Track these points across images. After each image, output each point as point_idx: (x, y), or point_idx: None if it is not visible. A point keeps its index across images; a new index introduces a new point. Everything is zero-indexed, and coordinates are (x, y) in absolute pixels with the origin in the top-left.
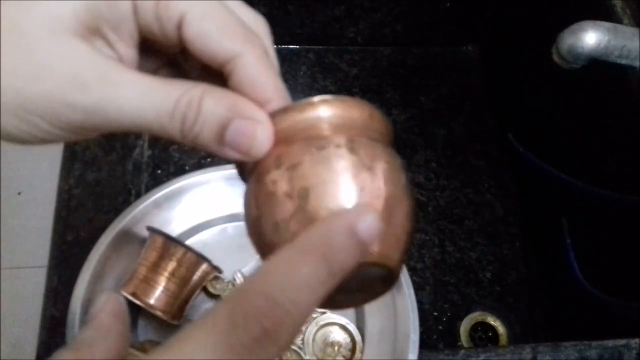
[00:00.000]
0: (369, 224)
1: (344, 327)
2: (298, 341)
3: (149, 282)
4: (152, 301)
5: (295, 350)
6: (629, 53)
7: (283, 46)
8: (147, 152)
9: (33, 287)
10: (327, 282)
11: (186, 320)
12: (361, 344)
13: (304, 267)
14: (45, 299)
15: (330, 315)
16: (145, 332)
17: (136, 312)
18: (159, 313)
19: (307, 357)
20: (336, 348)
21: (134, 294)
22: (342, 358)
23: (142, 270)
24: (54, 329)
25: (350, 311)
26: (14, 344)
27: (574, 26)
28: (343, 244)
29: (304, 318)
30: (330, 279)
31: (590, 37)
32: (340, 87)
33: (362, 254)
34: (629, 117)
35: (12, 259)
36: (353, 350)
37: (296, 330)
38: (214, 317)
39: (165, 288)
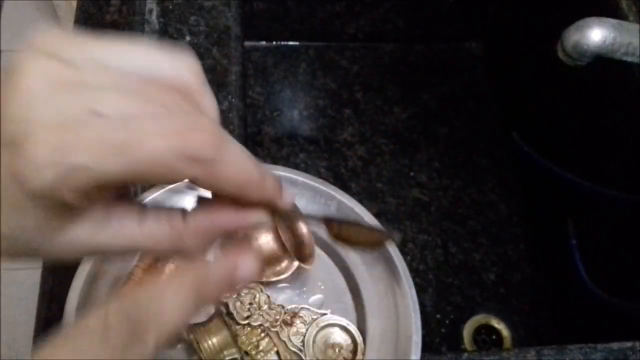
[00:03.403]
0: (246, 268)
1: (344, 329)
2: (298, 343)
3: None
4: None
5: (295, 352)
6: (635, 50)
7: (282, 43)
8: None
9: (28, 288)
10: (192, 308)
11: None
12: (362, 346)
13: (172, 294)
14: (39, 301)
15: (331, 317)
16: None
17: None
18: None
19: (308, 359)
20: (337, 350)
21: None
22: None
23: (139, 273)
24: (48, 331)
25: (352, 313)
26: (9, 345)
27: (579, 22)
28: (217, 283)
29: (169, 329)
30: (195, 307)
31: (596, 34)
32: (341, 84)
33: (229, 290)
34: (635, 115)
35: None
36: (354, 351)
37: (161, 337)
38: (88, 320)
39: None
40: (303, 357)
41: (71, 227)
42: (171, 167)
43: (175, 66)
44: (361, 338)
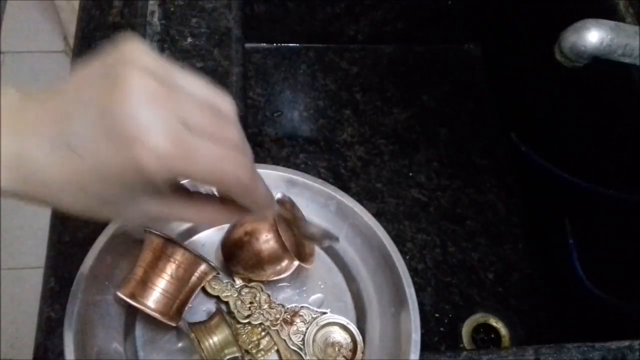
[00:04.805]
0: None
1: (344, 327)
2: (298, 341)
3: (146, 284)
4: (150, 303)
5: (295, 351)
6: (632, 51)
7: (283, 44)
8: None
9: (30, 287)
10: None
11: (184, 322)
12: (362, 344)
13: None
14: (42, 300)
15: (331, 315)
16: (143, 333)
17: (134, 313)
18: (157, 315)
19: (308, 358)
20: (337, 348)
21: (132, 296)
22: (342, 358)
23: (140, 272)
24: (50, 330)
25: (351, 311)
26: (12, 344)
27: (577, 24)
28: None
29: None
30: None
31: (593, 36)
32: (341, 85)
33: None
34: (632, 116)
35: (9, 259)
36: (354, 350)
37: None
38: None
39: (164, 289)
40: (303, 356)
41: (154, 202)
42: (224, 182)
43: (226, 101)
44: (360, 337)
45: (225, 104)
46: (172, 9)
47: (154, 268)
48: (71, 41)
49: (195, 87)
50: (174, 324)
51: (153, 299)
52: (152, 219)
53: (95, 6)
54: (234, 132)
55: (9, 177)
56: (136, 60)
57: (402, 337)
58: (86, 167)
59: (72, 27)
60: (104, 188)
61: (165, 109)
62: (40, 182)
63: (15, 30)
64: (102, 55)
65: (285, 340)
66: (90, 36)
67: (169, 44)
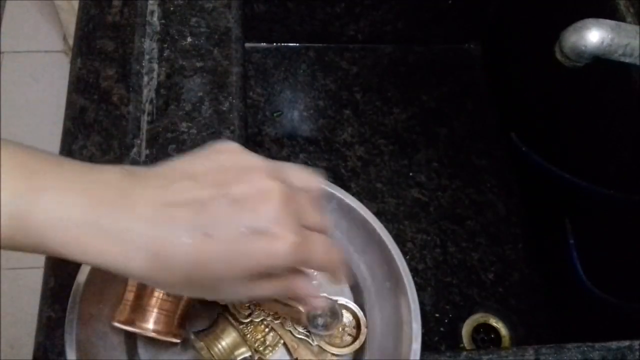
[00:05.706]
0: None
1: (345, 307)
2: (303, 330)
3: (141, 307)
4: (150, 325)
5: (302, 339)
6: (632, 51)
7: (283, 44)
8: (145, 152)
9: (31, 287)
10: None
11: (190, 333)
12: (364, 319)
13: None
14: (42, 300)
15: (330, 297)
16: (146, 349)
17: (135, 334)
18: (158, 336)
19: (316, 343)
20: (341, 328)
21: (130, 323)
22: (349, 337)
23: (131, 296)
24: (50, 330)
25: (348, 294)
26: (12, 344)
27: (577, 24)
28: None
29: None
30: None
31: (594, 35)
32: (341, 85)
33: None
34: (632, 116)
35: (10, 259)
36: (358, 326)
37: None
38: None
39: (160, 308)
40: (310, 342)
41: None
42: (331, 267)
43: (318, 182)
44: (362, 312)
45: (318, 186)
46: (171, 8)
47: (145, 289)
48: (70, 41)
49: (299, 178)
50: (178, 341)
51: (152, 321)
52: (252, 297)
53: (94, 5)
54: (327, 220)
55: (140, 260)
56: (274, 174)
57: (402, 334)
58: (215, 248)
59: (71, 27)
60: (224, 269)
61: (292, 209)
62: (162, 263)
63: (14, 30)
64: (212, 156)
65: (290, 331)
66: (90, 36)
67: (169, 44)
